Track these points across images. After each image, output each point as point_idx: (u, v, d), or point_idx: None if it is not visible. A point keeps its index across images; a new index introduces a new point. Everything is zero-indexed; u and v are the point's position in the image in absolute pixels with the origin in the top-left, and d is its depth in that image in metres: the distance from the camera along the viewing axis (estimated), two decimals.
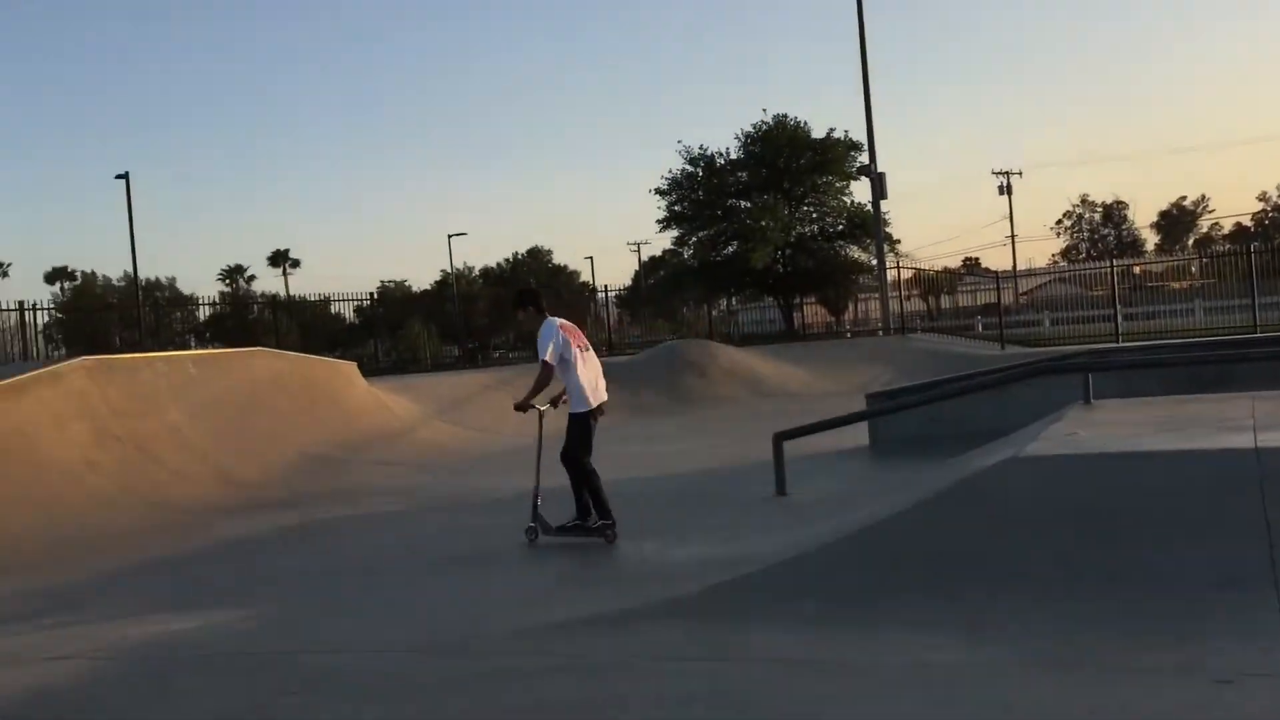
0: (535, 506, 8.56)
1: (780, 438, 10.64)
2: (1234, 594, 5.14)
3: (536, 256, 79.43)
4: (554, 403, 8.65)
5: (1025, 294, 43.03)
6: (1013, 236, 72.44)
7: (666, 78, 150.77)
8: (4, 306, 26.43)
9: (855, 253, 38.16)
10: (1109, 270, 35.53)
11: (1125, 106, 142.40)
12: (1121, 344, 25.71)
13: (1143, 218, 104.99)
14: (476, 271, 79.74)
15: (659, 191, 37.88)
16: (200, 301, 41.56)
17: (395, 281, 73.73)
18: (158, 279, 70.10)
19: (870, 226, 34.96)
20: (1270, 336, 20.81)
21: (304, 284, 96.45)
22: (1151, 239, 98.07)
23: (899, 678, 4.76)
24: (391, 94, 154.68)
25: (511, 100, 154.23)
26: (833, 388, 23.60)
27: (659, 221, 38.67)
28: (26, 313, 26.03)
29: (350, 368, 19.86)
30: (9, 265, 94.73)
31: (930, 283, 41.27)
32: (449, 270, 66.83)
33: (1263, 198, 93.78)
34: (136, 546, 9.81)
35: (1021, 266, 57.96)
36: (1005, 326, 32.32)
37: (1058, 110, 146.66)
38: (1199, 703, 4.20)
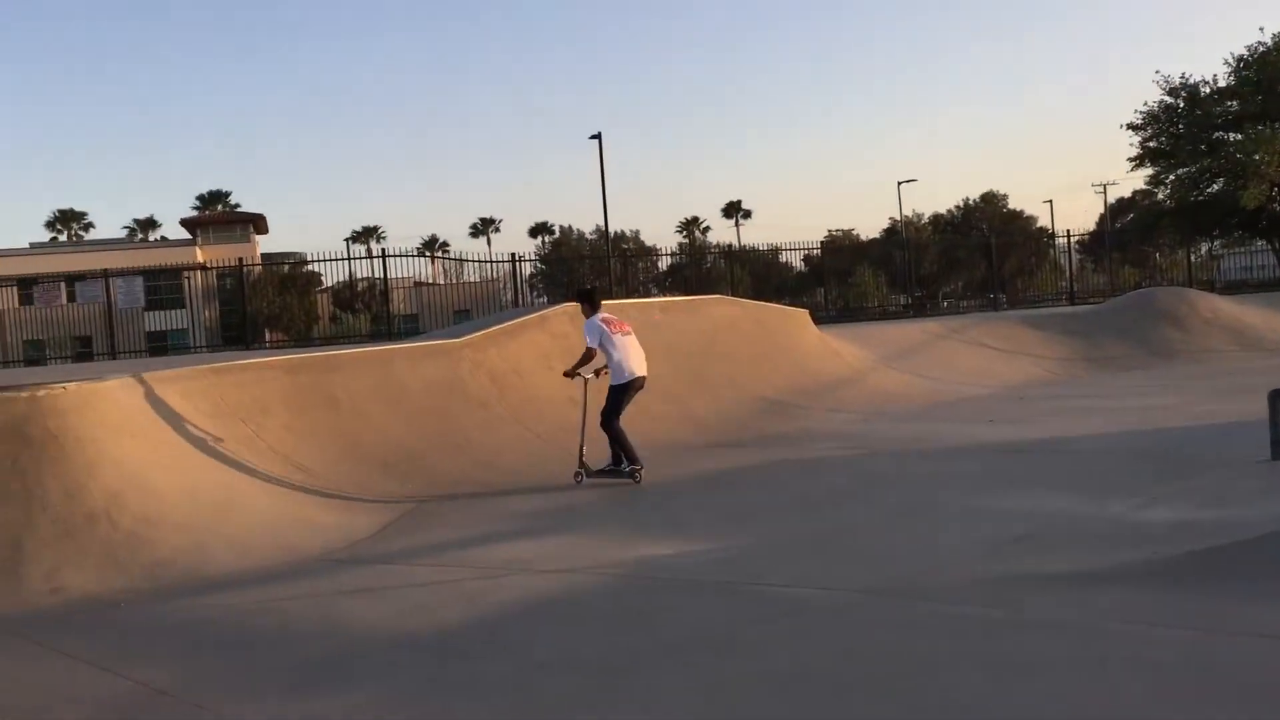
0: (581, 454, 10.47)
1: (1278, 395, 9.55)
2: None
3: (990, 202, 76.06)
4: (596, 374, 10.80)
5: None
6: None
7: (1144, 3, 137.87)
8: (499, 258, 29.82)
9: None
10: None
11: None
12: None
13: None
14: (926, 219, 77.98)
15: (1132, 127, 34.77)
16: (661, 252, 44.02)
17: (843, 230, 74.01)
18: (623, 231, 75.22)
19: None
20: None
21: (755, 234, 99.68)
22: None
23: None
24: (846, 44, 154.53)
25: (964, 39, 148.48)
26: None
27: (1130, 160, 35.54)
28: (517, 264, 29.06)
29: (802, 315, 20.31)
30: (500, 221, 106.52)
31: None
32: (897, 218, 65.85)
33: None
34: (616, 477, 10.74)
35: None
36: None
37: None
38: None
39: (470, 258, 33.20)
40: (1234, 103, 33.66)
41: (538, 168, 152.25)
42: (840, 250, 49.20)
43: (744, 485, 10.10)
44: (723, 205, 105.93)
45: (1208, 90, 33.83)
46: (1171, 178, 35.15)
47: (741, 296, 25.00)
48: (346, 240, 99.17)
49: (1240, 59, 33.23)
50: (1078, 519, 7.61)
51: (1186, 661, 4.42)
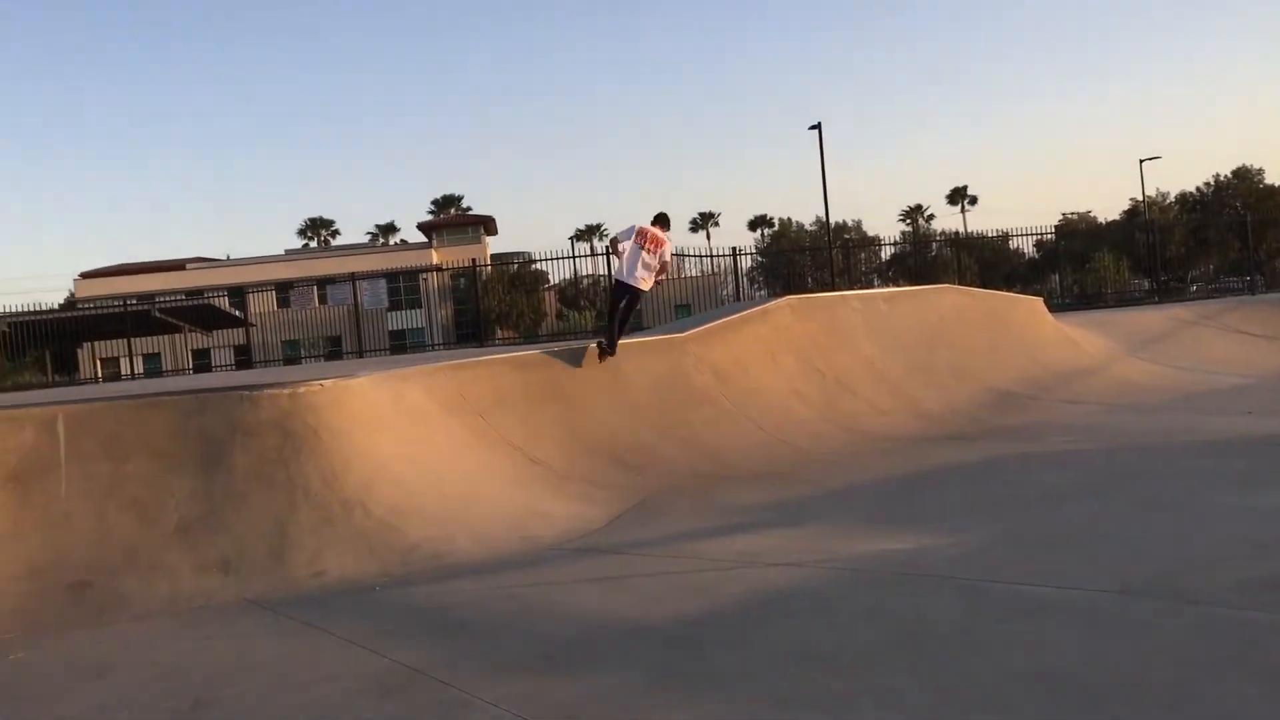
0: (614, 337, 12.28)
1: None
2: None
3: (1244, 177, 70.61)
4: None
5: None
6: None
7: None
8: (719, 252, 29.97)
9: None
10: None
11: None
12: None
13: None
14: (1171, 198, 73.20)
15: None
16: (883, 242, 43.15)
17: (1078, 213, 70.49)
18: (844, 221, 74.08)
19: None
20: None
21: (982, 220, 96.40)
22: None
23: None
24: (1075, 11, 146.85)
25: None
26: None
27: None
28: (737, 258, 29.12)
29: (1036, 303, 19.50)
30: (719, 215, 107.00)
31: None
32: (1139, 198, 62.08)
33: None
34: (843, 470, 10.62)
35: None
36: None
37: None
38: None
39: (690, 252, 33.51)
40: None
41: (756, 160, 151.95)
42: (1076, 234, 46.83)
43: (977, 479, 9.77)
44: (947, 192, 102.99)
45: None
46: None
47: (968, 285, 24.20)
48: (571, 239, 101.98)
49: None
50: None
51: None
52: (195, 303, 39.66)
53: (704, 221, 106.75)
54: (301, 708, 4.78)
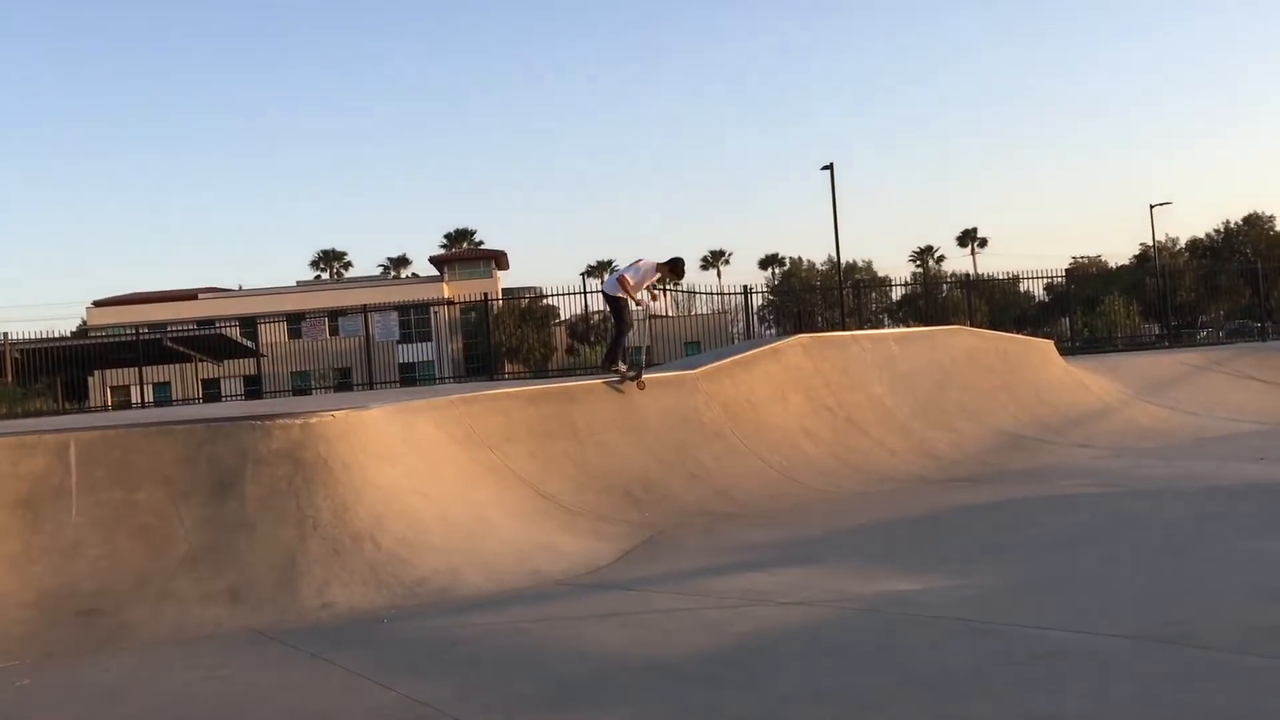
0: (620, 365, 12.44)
1: None
2: None
3: (1255, 224, 70.67)
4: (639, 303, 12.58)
5: None
6: None
7: None
8: (731, 290, 30.05)
9: None
10: None
11: None
12: None
13: None
14: (1181, 244, 73.25)
15: None
16: (894, 282, 43.23)
17: (1089, 257, 70.53)
18: (855, 261, 74.25)
19: None
20: None
21: (992, 262, 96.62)
22: None
23: None
24: (1089, 56, 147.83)
25: (1220, 46, 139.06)
26: None
27: None
28: (749, 296, 29.17)
29: (1047, 346, 19.49)
30: (730, 254, 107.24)
31: None
32: (1148, 243, 62.15)
33: None
34: (852, 509, 10.59)
35: None
36: None
37: None
38: None
39: (701, 290, 33.60)
40: None
41: (768, 200, 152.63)
42: (1087, 278, 46.86)
43: (986, 522, 9.74)
44: (957, 234, 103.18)
45: None
46: None
47: (978, 327, 24.21)
48: (582, 274, 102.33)
49: None
50: None
51: None
52: (206, 332, 39.82)
53: (715, 259, 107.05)
54: None
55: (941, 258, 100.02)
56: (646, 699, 4.98)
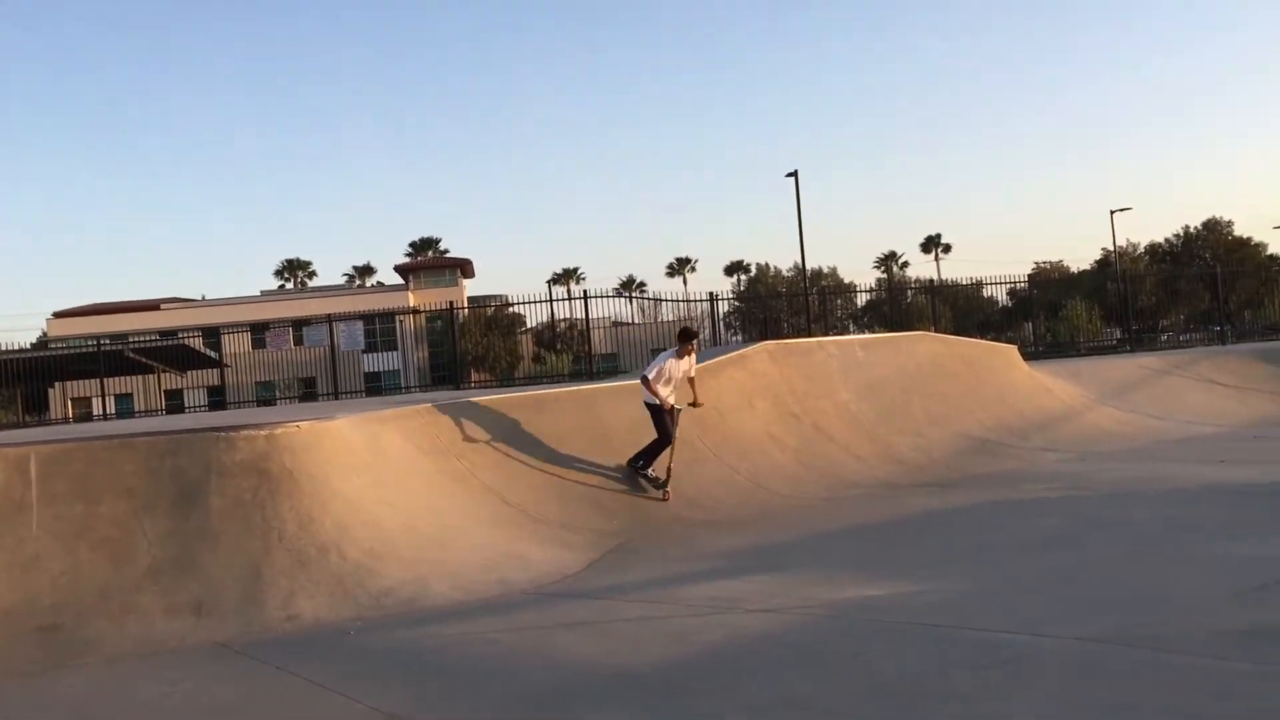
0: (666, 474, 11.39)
1: None
2: None
3: (1214, 229, 71.67)
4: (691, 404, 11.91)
5: None
6: None
7: None
8: (697, 297, 30.10)
9: None
10: None
11: None
12: None
13: None
14: (1141, 248, 74.16)
15: None
16: (859, 288, 43.43)
17: (1051, 262, 71.28)
18: (820, 267, 74.65)
19: None
20: None
21: (955, 268, 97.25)
22: None
23: None
24: (1050, 65, 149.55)
25: (1178, 58, 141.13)
26: None
27: None
28: (715, 303, 29.22)
29: (1011, 351, 19.66)
30: (696, 261, 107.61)
31: None
32: (1110, 248, 62.88)
33: None
34: (820, 516, 10.63)
35: None
36: None
37: None
38: None
39: (667, 297, 33.65)
40: None
41: (734, 206, 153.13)
42: (1049, 283, 47.34)
43: (952, 527, 9.80)
44: (921, 240, 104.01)
45: None
46: None
47: (943, 332, 24.38)
48: (548, 282, 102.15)
49: None
50: None
51: None
52: (169, 343, 39.36)
53: (681, 267, 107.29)
54: None
55: (906, 263, 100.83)
56: (618, 708, 4.96)
